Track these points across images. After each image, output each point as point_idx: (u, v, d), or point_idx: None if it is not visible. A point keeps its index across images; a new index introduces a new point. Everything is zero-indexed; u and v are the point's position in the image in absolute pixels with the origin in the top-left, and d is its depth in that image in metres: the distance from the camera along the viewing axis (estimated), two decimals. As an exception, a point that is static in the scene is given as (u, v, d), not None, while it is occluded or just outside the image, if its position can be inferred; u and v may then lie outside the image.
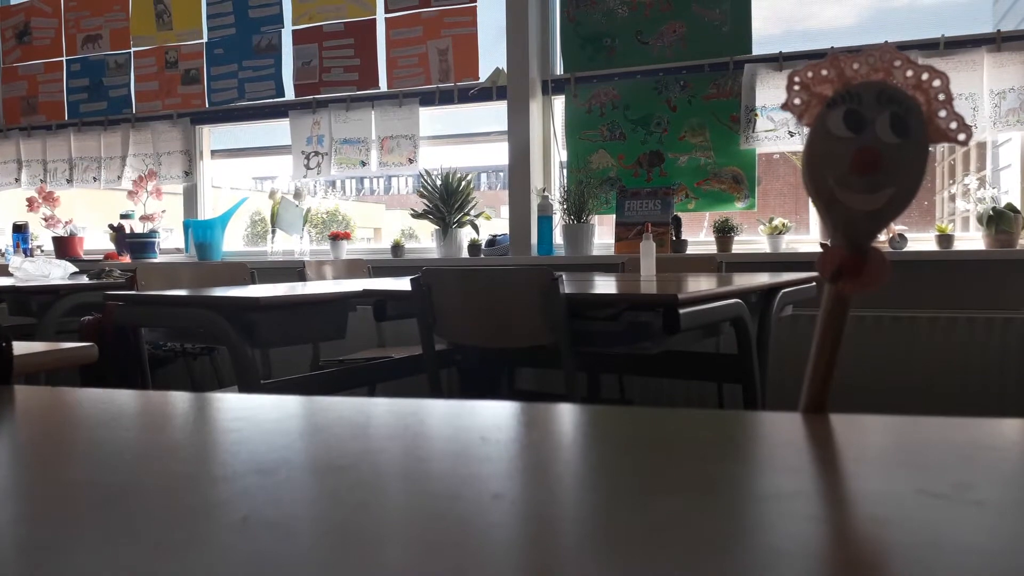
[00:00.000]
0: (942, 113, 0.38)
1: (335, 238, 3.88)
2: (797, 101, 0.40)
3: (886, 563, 0.22)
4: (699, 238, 3.42)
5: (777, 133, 3.15)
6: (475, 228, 3.68)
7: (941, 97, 0.38)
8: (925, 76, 0.38)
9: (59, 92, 4.53)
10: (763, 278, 2.31)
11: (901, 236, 3.03)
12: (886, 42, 0.39)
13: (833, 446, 0.35)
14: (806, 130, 0.40)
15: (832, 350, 0.40)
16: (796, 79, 0.40)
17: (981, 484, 0.28)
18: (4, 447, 0.37)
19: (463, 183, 3.64)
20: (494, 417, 0.40)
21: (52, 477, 0.31)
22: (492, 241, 3.67)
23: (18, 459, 0.35)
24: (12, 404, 0.47)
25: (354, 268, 3.46)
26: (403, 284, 2.09)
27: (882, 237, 0.40)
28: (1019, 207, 2.91)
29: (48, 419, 0.43)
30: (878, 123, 0.38)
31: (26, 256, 4.24)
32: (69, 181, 4.47)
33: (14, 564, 0.22)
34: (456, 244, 3.65)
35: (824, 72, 0.40)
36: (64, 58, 4.52)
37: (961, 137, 0.38)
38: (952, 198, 3.40)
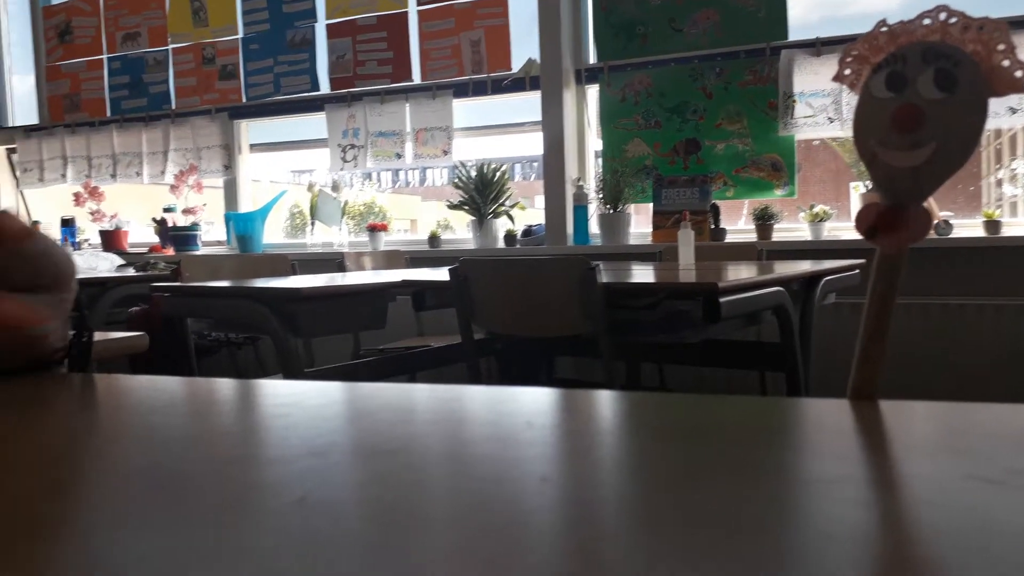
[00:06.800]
0: (1005, 63, 0.37)
1: (373, 230, 3.92)
2: (847, 72, 0.40)
3: (936, 546, 0.22)
4: (738, 226, 3.38)
5: (816, 119, 3.09)
6: (510, 219, 3.68)
7: (1001, 47, 0.37)
8: (982, 28, 0.37)
9: (101, 89, 4.63)
10: (804, 266, 2.28)
11: (947, 222, 2.97)
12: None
13: (881, 432, 0.35)
14: (848, 115, 0.40)
15: (880, 321, 0.39)
16: (852, 51, 0.40)
17: (1034, 469, 0.28)
18: (81, 431, 0.38)
19: (498, 174, 3.64)
20: (537, 403, 0.41)
21: (113, 462, 0.32)
22: (528, 231, 3.67)
23: (83, 443, 0.36)
24: (93, 389, 0.48)
25: (392, 259, 3.49)
26: (441, 274, 2.10)
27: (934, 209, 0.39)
28: (1070, 191, 2.83)
29: (107, 405, 0.44)
30: (920, 81, 0.38)
31: (74, 249, 4.35)
32: (113, 176, 4.57)
33: (81, 546, 0.23)
34: (492, 235, 3.66)
35: (877, 41, 0.39)
36: (105, 56, 4.61)
37: None
38: (999, 183, 3.31)
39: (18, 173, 4.88)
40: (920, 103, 0.37)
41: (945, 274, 2.85)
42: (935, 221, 2.90)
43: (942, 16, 0.38)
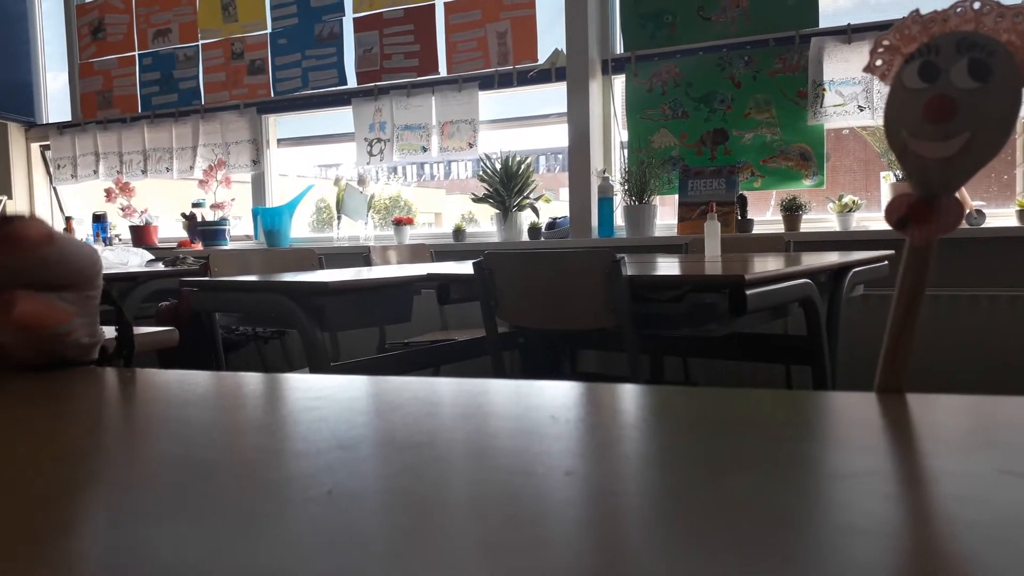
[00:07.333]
0: None
1: (398, 223, 3.94)
2: (879, 63, 0.40)
3: (967, 541, 0.21)
4: (765, 217, 3.35)
5: (846, 108, 3.05)
6: (535, 211, 3.68)
7: None
8: (1017, 17, 0.37)
9: (132, 86, 4.69)
10: (833, 257, 2.26)
11: (979, 212, 2.91)
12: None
13: (909, 426, 0.34)
14: (879, 103, 0.40)
15: (908, 313, 0.39)
16: (884, 42, 0.40)
17: (1067, 464, 0.27)
18: (114, 424, 0.39)
19: (523, 166, 3.64)
20: (562, 397, 0.41)
21: (145, 454, 0.33)
22: (552, 224, 3.67)
23: (116, 436, 0.37)
24: (125, 383, 0.49)
25: (417, 253, 3.51)
26: (465, 268, 2.11)
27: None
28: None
29: (139, 399, 0.45)
30: (953, 71, 0.37)
31: (105, 245, 4.42)
32: (144, 172, 4.63)
33: (113, 537, 0.24)
34: (516, 228, 3.66)
35: (909, 31, 0.39)
36: (136, 52, 4.67)
37: None
38: (1034, 171, 3.24)
39: (52, 169, 4.96)
40: (953, 93, 0.37)
41: (976, 265, 2.80)
42: (967, 211, 2.85)
43: (975, 5, 0.38)
